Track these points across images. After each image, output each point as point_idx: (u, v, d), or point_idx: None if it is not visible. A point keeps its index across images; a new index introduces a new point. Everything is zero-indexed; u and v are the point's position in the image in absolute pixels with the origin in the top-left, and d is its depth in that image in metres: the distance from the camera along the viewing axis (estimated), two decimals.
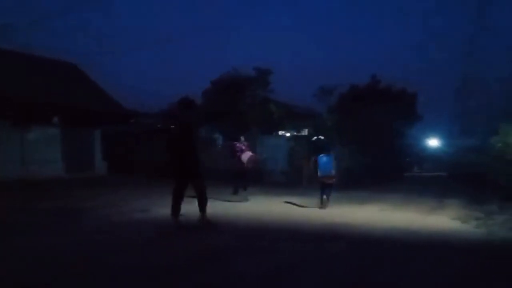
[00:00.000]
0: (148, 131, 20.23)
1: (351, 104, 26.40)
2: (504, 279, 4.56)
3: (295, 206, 10.95)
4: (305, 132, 22.22)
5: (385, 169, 28.65)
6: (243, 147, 12.30)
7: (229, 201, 11.16)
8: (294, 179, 18.43)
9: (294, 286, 4.08)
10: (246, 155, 12.15)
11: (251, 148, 12.75)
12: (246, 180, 12.45)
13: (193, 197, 7.21)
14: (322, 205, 10.30)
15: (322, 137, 11.07)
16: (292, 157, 18.94)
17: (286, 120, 21.54)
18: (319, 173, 10.48)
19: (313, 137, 11.56)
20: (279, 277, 4.32)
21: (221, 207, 9.79)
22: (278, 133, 22.17)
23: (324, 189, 10.40)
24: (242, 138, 12.59)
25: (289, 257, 5.21)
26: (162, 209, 8.27)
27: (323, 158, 10.49)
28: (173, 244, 5.88)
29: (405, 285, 4.23)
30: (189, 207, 7.51)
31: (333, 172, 10.54)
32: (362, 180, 18.44)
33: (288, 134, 22.23)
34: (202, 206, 6.96)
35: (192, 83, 49.74)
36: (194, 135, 7.23)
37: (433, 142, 43.37)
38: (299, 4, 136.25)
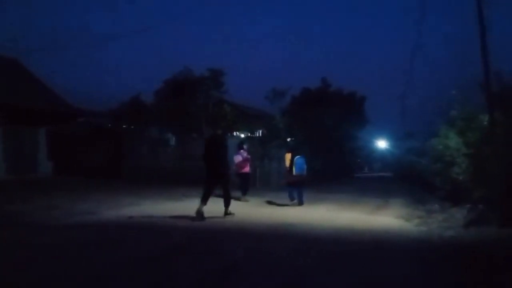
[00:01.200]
0: (96, 130, 19.55)
1: (302, 106, 27.00)
2: (438, 273, 4.84)
3: (246, 206, 11.07)
4: (258, 133, 22.41)
5: (335, 170, 29.52)
6: (244, 154, 12.90)
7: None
8: None
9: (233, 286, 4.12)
10: (236, 160, 12.74)
11: (249, 154, 13.29)
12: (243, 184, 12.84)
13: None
14: (293, 202, 11.44)
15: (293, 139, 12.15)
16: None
17: (240, 121, 21.61)
18: (294, 172, 11.52)
19: (287, 139, 12.44)
20: (220, 277, 4.35)
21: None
22: (231, 134, 22.18)
23: (295, 188, 11.54)
24: (245, 146, 13.17)
25: (231, 257, 5.24)
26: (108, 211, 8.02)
27: (299, 159, 11.71)
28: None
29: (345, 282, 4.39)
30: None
31: (305, 172, 11.85)
32: (312, 181, 18.84)
33: (242, 135, 22.31)
34: (227, 202, 8.71)
35: (144, 82, 48.53)
36: (223, 147, 8.83)
37: (381, 144, 45.23)
38: (251, 4, 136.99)
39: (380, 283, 4.41)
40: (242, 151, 12.94)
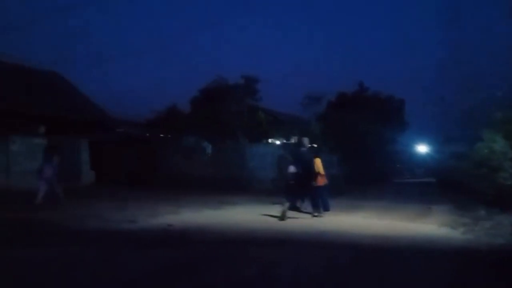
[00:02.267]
0: (134, 140, 20.04)
1: (339, 111, 26.60)
2: (489, 283, 4.55)
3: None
4: (293, 139, 22.24)
5: (374, 175, 28.81)
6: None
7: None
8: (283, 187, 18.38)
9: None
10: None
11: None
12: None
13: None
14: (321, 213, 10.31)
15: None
16: (281, 165, 18.88)
17: (274, 128, 21.56)
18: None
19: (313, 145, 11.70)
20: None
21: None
22: (266, 141, 22.15)
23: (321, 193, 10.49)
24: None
25: (272, 263, 5.16)
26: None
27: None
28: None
29: None
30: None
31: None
32: (350, 186, 18.45)
33: (277, 142, 22.24)
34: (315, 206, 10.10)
35: (180, 91, 49.51)
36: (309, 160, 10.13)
37: (422, 148, 43.76)
38: (284, 11, 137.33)
39: None
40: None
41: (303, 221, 9.81)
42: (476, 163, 13.69)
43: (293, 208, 10.56)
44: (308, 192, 10.40)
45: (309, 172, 10.17)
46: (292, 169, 10.75)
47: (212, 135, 19.80)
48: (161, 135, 21.79)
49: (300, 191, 10.36)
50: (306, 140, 10.99)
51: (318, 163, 10.70)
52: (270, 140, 22.14)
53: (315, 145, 11.55)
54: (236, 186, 17.35)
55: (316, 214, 10.25)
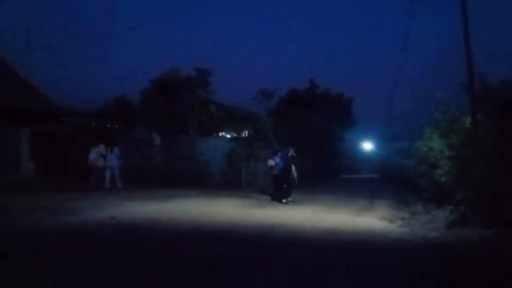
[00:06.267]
0: (80, 130, 19.20)
1: (290, 107, 26.98)
2: (418, 273, 4.85)
3: (232, 208, 11.03)
4: (245, 133, 22.33)
5: (322, 171, 29.56)
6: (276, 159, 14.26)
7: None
8: (233, 181, 18.44)
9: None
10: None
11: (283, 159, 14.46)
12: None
13: None
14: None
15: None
16: (232, 159, 18.89)
17: (226, 122, 21.52)
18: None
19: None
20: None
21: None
22: (217, 135, 22.05)
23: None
24: (279, 153, 14.61)
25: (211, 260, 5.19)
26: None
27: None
28: None
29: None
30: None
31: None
32: (300, 181, 18.81)
33: (228, 136, 22.20)
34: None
35: (130, 81, 48.05)
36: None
37: (368, 146, 45.47)
38: (238, 4, 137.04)
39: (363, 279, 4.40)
40: (275, 156, 14.31)
41: (254, 214, 9.94)
42: (416, 160, 14.45)
43: (275, 198, 13.38)
44: (287, 182, 13.56)
45: (289, 168, 13.81)
46: (270, 162, 14.10)
47: (163, 127, 19.42)
48: (108, 126, 21.08)
49: (283, 181, 13.55)
50: (292, 150, 14.47)
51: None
52: (221, 134, 22.07)
53: (294, 154, 14.53)
54: (186, 179, 17.19)
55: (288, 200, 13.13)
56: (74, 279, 4.23)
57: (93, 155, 15.06)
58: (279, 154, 14.52)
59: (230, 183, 18.26)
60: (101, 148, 15.34)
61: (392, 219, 9.63)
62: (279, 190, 13.55)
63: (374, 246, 6.59)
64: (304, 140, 23.18)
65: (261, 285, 4.26)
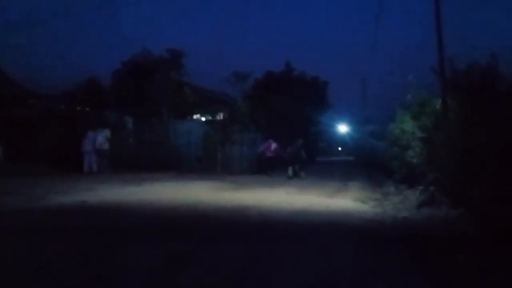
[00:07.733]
0: (49, 113, 18.53)
1: (266, 90, 26.88)
2: (385, 251, 4.91)
3: (206, 190, 10.94)
4: (220, 116, 22.15)
5: None
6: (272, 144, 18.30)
7: None
8: (208, 164, 18.32)
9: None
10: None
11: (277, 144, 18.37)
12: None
13: None
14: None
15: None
16: (207, 142, 18.71)
17: (201, 105, 21.25)
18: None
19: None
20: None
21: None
22: (192, 118, 21.77)
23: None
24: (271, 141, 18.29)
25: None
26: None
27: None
28: None
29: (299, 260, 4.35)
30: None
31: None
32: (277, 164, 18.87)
33: (203, 119, 21.96)
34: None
35: (101, 62, 46.77)
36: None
37: (343, 128, 45.96)
38: None
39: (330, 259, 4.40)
40: (270, 140, 18.35)
41: (228, 197, 9.88)
42: (389, 143, 14.65)
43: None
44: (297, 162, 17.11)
45: (300, 153, 17.44)
46: (262, 147, 18.64)
47: (135, 110, 18.99)
48: (79, 109, 20.42)
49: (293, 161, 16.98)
50: (300, 141, 18.00)
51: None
52: (195, 117, 21.78)
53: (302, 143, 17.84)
54: (160, 163, 16.96)
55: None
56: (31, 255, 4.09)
57: (100, 138, 15.66)
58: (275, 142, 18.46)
59: (205, 167, 18.13)
60: (107, 132, 16.08)
61: (365, 200, 9.75)
62: (272, 168, 17.71)
63: (343, 225, 6.65)
64: (280, 124, 23.19)
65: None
